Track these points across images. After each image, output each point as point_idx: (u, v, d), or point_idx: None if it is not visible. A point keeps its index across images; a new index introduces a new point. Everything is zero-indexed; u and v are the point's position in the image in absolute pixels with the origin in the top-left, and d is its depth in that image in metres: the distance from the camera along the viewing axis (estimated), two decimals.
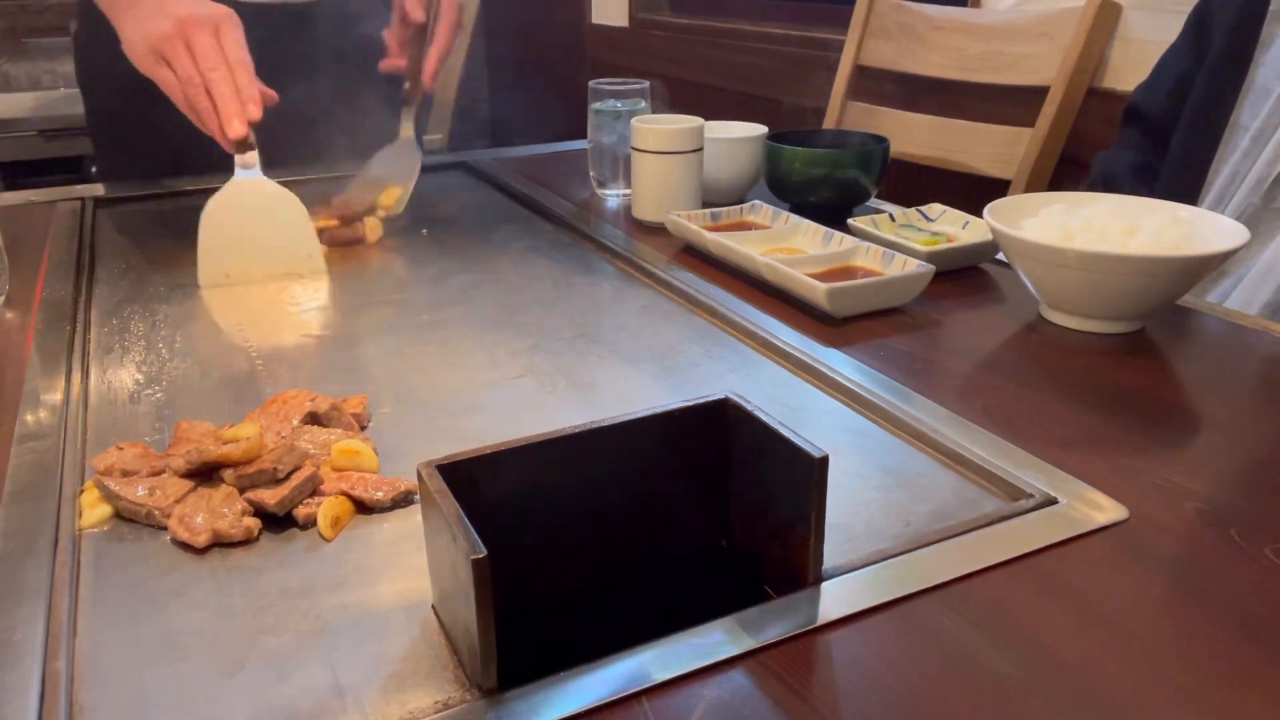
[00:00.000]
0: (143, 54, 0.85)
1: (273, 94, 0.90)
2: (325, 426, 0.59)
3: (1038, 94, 1.47)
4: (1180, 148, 1.07)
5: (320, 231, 0.96)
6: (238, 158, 0.86)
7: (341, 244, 0.97)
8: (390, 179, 1.06)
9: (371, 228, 1.00)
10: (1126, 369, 0.69)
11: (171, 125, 1.16)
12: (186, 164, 1.20)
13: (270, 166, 1.20)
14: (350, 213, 0.99)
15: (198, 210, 0.87)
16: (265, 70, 0.90)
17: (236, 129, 0.83)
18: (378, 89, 1.14)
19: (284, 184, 0.89)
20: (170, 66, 0.83)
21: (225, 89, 0.82)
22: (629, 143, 1.03)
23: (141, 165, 1.20)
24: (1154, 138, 1.13)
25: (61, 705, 0.39)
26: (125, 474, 0.54)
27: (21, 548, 0.49)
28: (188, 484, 0.53)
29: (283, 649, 0.43)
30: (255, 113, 0.84)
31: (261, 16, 1.08)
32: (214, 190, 1.18)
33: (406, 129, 1.06)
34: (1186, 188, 1.03)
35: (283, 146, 1.06)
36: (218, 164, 1.19)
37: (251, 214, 0.87)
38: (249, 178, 0.86)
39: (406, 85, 1.04)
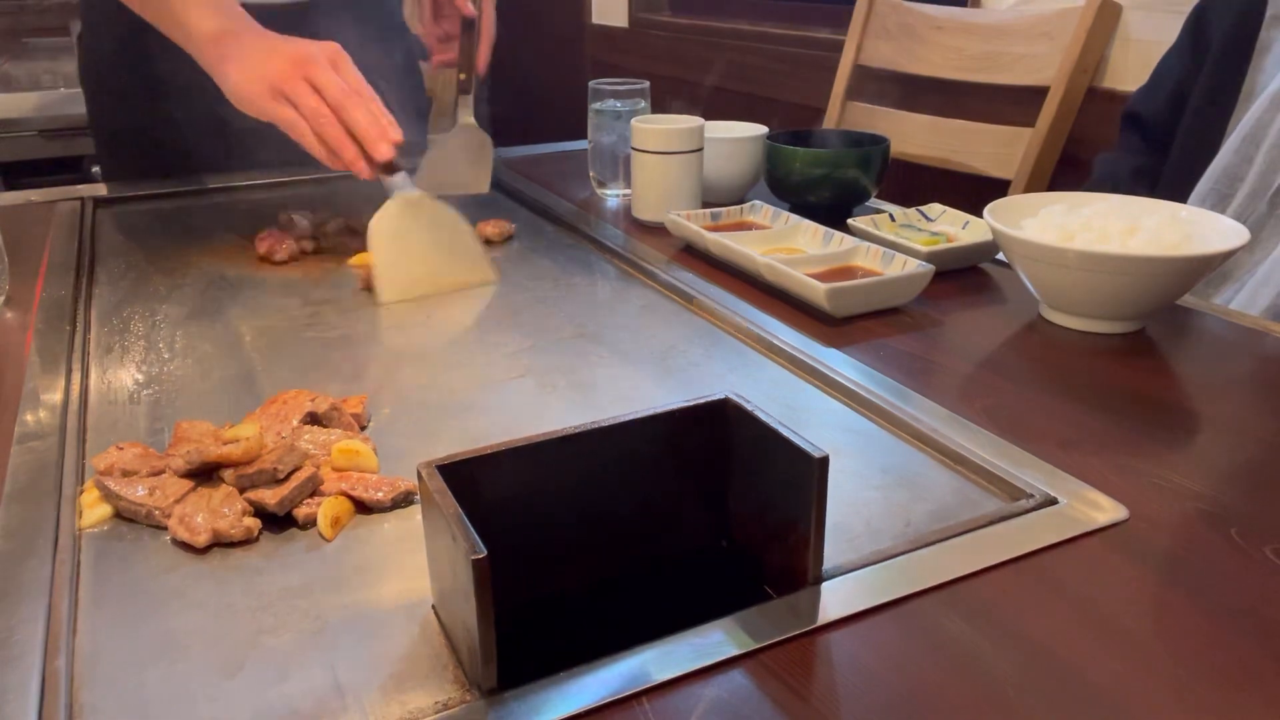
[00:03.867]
0: (258, 95, 0.84)
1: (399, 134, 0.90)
2: (325, 426, 0.59)
3: (1038, 94, 1.47)
4: (1180, 152, 1.07)
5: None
6: (386, 180, 0.86)
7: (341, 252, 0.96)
8: (472, 160, 1.09)
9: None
10: (1126, 369, 0.69)
11: (174, 125, 1.16)
12: (189, 164, 1.20)
13: (284, 165, 1.20)
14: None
15: (198, 210, 0.87)
16: None
17: (385, 151, 0.83)
18: (389, 85, 1.14)
19: (279, 184, 0.89)
20: (294, 104, 0.83)
21: (362, 116, 0.83)
22: (629, 143, 1.03)
23: (144, 165, 1.20)
24: (1153, 142, 1.13)
25: (61, 705, 0.39)
26: (125, 474, 0.54)
27: (21, 548, 0.49)
28: (188, 484, 0.53)
29: (283, 649, 0.43)
30: (397, 135, 0.84)
31: (266, 16, 1.08)
32: (214, 190, 1.18)
33: (467, 117, 1.08)
34: (1187, 191, 1.03)
35: (292, 145, 1.06)
36: (218, 165, 1.20)
37: (420, 231, 0.87)
38: (409, 193, 0.87)
39: (461, 76, 1.06)
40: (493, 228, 1.00)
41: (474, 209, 1.12)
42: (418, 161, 1.04)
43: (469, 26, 1.06)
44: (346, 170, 0.85)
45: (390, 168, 0.86)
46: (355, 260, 0.93)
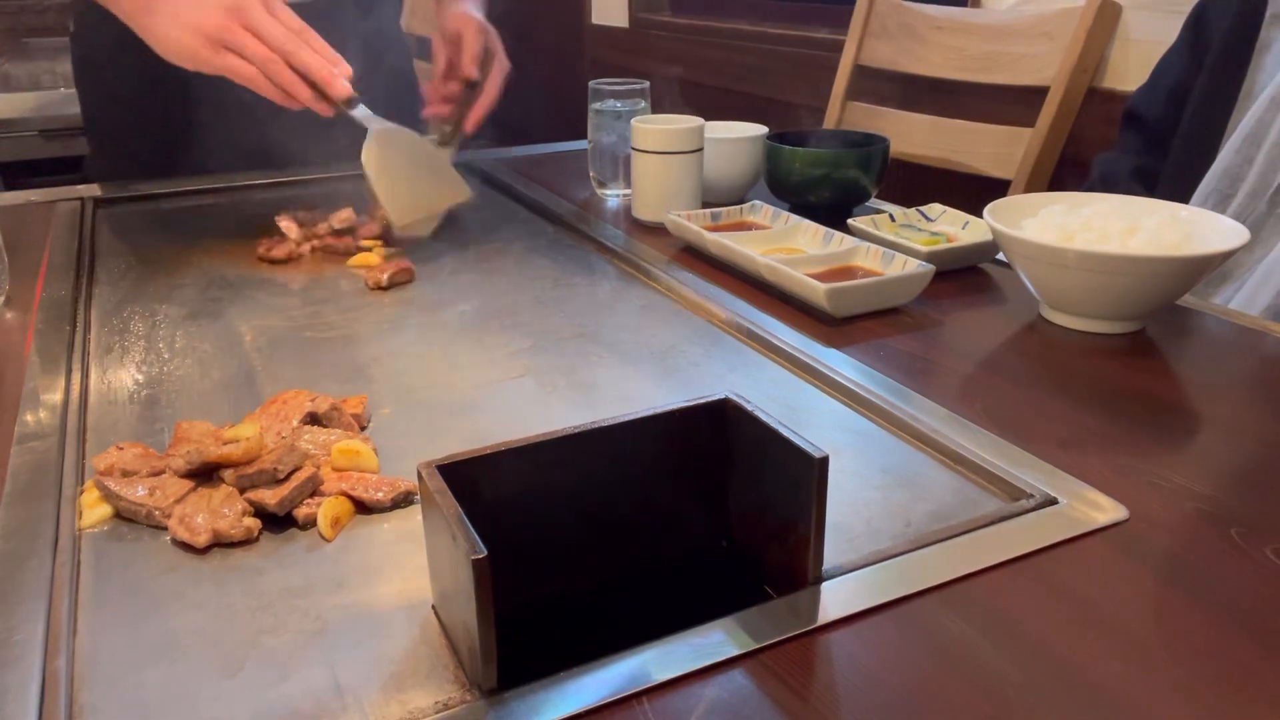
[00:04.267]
0: (198, 47, 0.84)
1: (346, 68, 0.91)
2: (325, 426, 0.59)
3: (1038, 94, 1.47)
4: (1179, 151, 1.07)
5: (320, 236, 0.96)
6: (352, 113, 0.88)
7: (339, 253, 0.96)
8: (434, 201, 1.05)
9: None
10: (1126, 369, 0.69)
11: (168, 126, 1.16)
12: (182, 164, 1.20)
13: (276, 167, 1.20)
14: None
15: (197, 210, 0.87)
16: None
17: (341, 89, 0.85)
18: (387, 88, 1.15)
19: (279, 183, 0.89)
20: (238, 53, 0.83)
21: (310, 57, 0.84)
22: (629, 143, 1.03)
23: (137, 166, 1.20)
24: (1153, 142, 1.13)
25: (61, 705, 0.39)
26: (125, 474, 0.54)
27: (21, 548, 0.49)
28: (188, 484, 0.53)
29: (283, 649, 0.43)
30: (347, 69, 0.86)
31: None
32: (214, 190, 1.18)
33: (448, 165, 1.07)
34: (1187, 192, 1.03)
35: (289, 147, 1.06)
36: (217, 164, 1.20)
37: (407, 159, 0.92)
38: (384, 125, 0.91)
39: (446, 128, 1.07)
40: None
41: (463, 211, 1.12)
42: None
43: (471, 87, 1.07)
44: (303, 108, 0.86)
45: (350, 102, 0.87)
46: (356, 261, 0.93)
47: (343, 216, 0.99)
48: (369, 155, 0.90)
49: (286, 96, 0.85)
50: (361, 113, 0.89)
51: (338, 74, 0.85)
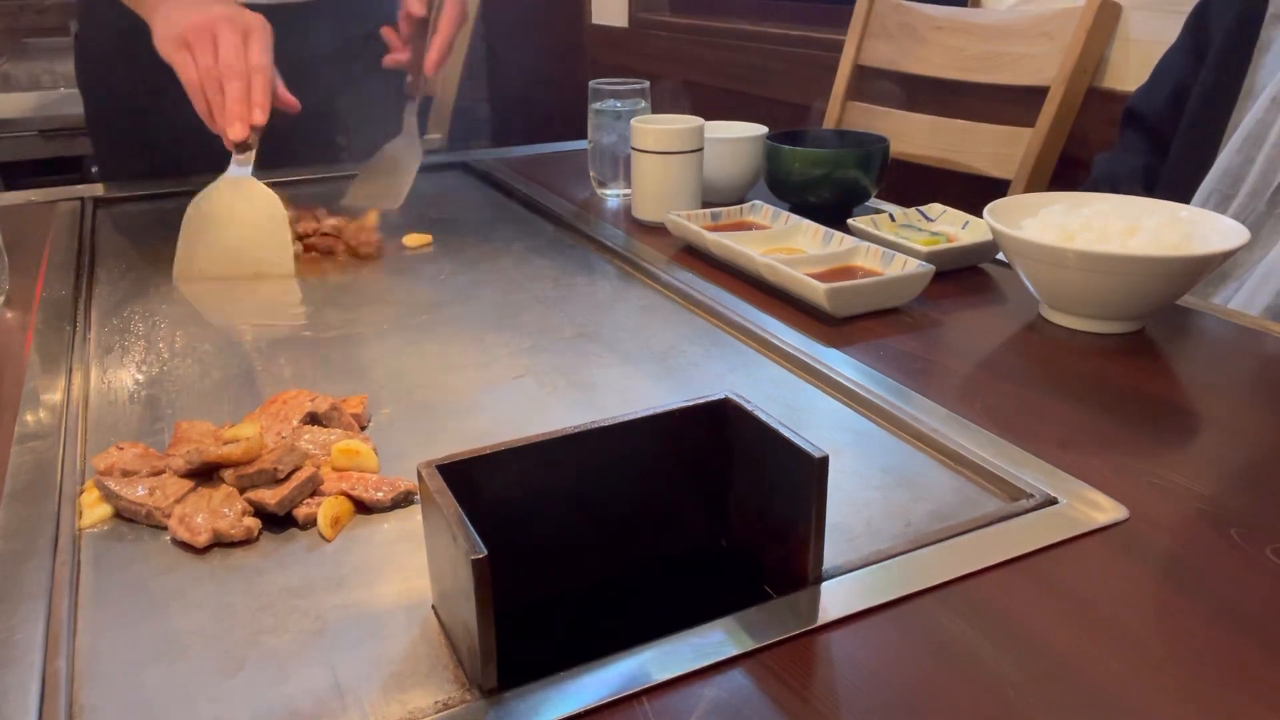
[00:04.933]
0: (171, 39, 0.87)
1: (294, 102, 0.92)
2: (325, 426, 0.59)
3: (1038, 94, 1.46)
4: (1180, 151, 1.07)
5: (306, 236, 0.96)
6: (235, 156, 0.88)
7: (322, 252, 0.95)
8: (395, 171, 1.06)
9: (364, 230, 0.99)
10: (1126, 369, 0.69)
11: (171, 126, 1.16)
12: (186, 164, 1.20)
13: (274, 166, 1.20)
14: (351, 211, 0.98)
15: None
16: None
17: (238, 131, 0.86)
18: (380, 87, 1.14)
19: (278, 183, 0.89)
20: (193, 56, 0.86)
21: (238, 89, 0.85)
22: (629, 143, 1.03)
23: (141, 165, 1.20)
24: (1154, 141, 1.13)
25: (61, 705, 0.39)
26: (125, 474, 0.54)
27: (21, 548, 0.49)
28: (188, 484, 0.53)
29: (283, 649, 0.43)
30: (260, 118, 0.87)
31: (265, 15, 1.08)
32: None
33: (410, 123, 1.06)
34: (1187, 191, 1.03)
35: (286, 146, 1.06)
36: (217, 164, 1.20)
37: (231, 212, 0.89)
38: (237, 176, 0.89)
39: (409, 78, 1.04)
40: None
41: (463, 211, 1.12)
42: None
43: (422, 27, 1.03)
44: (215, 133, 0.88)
45: (242, 146, 0.88)
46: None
47: (368, 223, 0.98)
48: (197, 200, 0.89)
49: (207, 114, 0.88)
50: (241, 159, 0.88)
51: (244, 117, 0.86)
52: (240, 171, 0.88)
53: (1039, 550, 0.48)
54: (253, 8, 1.01)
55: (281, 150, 0.93)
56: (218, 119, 0.86)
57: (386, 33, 1.06)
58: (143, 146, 1.20)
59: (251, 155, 0.88)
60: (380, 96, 1.15)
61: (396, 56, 1.05)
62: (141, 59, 1.07)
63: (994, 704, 0.39)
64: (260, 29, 0.88)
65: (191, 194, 0.92)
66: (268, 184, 0.90)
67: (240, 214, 0.89)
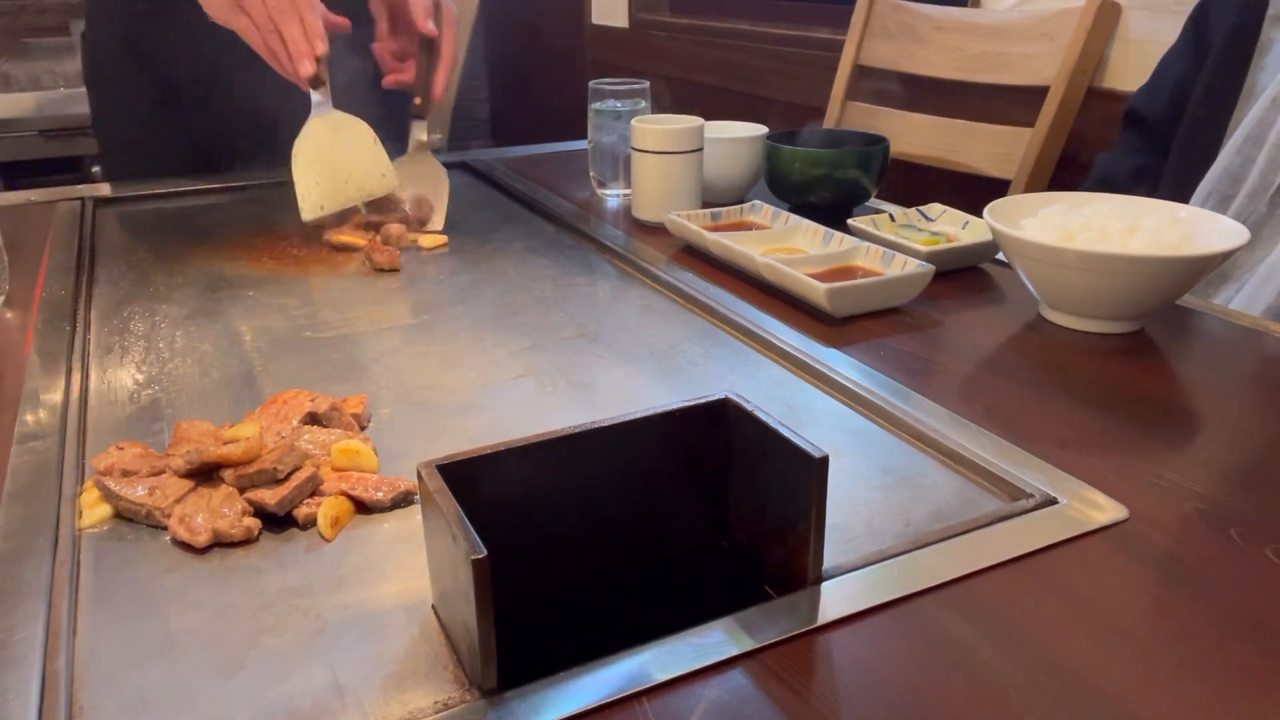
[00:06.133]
0: (223, 5, 0.90)
1: (344, 22, 0.95)
2: (325, 426, 0.59)
3: (1038, 94, 1.47)
4: (1180, 151, 1.07)
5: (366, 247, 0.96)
6: (312, 93, 0.92)
7: (385, 268, 0.93)
8: (421, 192, 1.05)
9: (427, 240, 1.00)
10: (1126, 369, 0.69)
11: (178, 126, 1.16)
12: (193, 164, 1.20)
13: (278, 167, 1.20)
14: (386, 233, 0.98)
15: (198, 210, 0.87)
16: (271, 78, 0.91)
17: (306, 67, 0.89)
18: (380, 97, 1.14)
19: (281, 184, 0.90)
20: (247, 14, 0.89)
21: (292, 31, 0.88)
22: (629, 143, 1.03)
23: (147, 165, 1.20)
24: (1154, 141, 1.13)
25: (61, 705, 0.39)
26: (125, 474, 0.54)
27: (21, 548, 0.49)
28: (188, 484, 0.53)
29: (283, 649, 0.43)
30: (322, 47, 0.90)
31: None
32: (214, 190, 1.18)
33: (421, 142, 1.05)
34: (1187, 191, 1.03)
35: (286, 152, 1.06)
36: (222, 164, 1.20)
37: (333, 146, 0.94)
38: (324, 113, 0.93)
39: (417, 100, 1.03)
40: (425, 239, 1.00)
41: (463, 211, 1.12)
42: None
43: (427, 46, 1.02)
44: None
45: (314, 81, 0.91)
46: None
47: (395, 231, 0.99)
48: (299, 145, 0.93)
49: (276, 63, 0.90)
50: (316, 97, 0.92)
51: (309, 53, 0.89)
52: (325, 108, 0.93)
53: (1039, 550, 0.48)
54: None
55: (274, 156, 0.94)
56: (284, 64, 0.90)
57: (378, 50, 1.06)
58: (150, 146, 1.21)
59: (326, 88, 0.92)
60: (381, 105, 1.15)
61: (400, 77, 1.05)
62: (149, 57, 1.08)
63: (994, 704, 0.39)
64: None
65: (192, 194, 0.92)
66: (279, 183, 0.91)
67: (341, 146, 0.94)
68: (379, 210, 1.02)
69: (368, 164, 0.96)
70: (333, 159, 0.95)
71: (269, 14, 0.88)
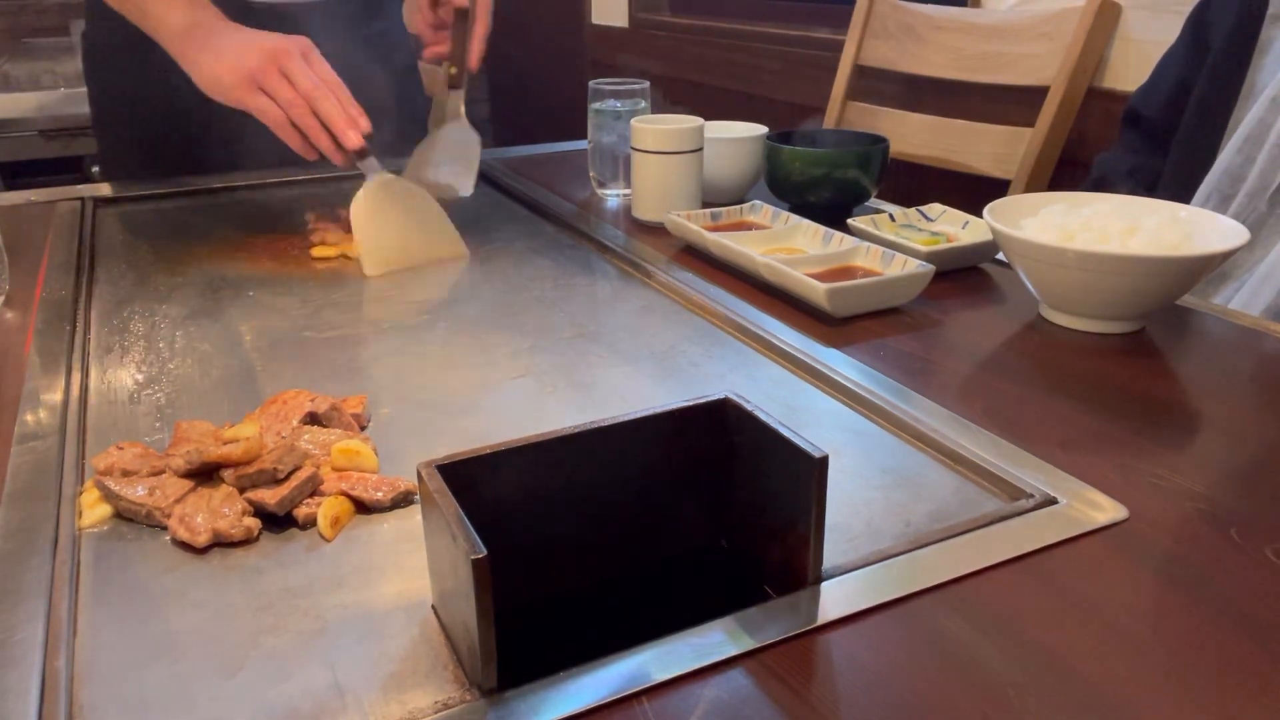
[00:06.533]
0: (235, 85, 0.89)
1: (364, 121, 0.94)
2: (325, 426, 0.59)
3: (1038, 94, 1.46)
4: (1180, 151, 1.07)
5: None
6: (359, 163, 0.92)
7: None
8: (461, 158, 1.07)
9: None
10: (1126, 369, 0.69)
11: (178, 126, 1.16)
12: (192, 164, 1.20)
13: (286, 165, 1.20)
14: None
15: (198, 210, 0.87)
16: None
17: (354, 140, 0.89)
18: (395, 85, 1.15)
19: (285, 183, 0.89)
20: (270, 95, 0.88)
21: (331, 107, 0.88)
22: (629, 143, 1.03)
23: (147, 165, 1.20)
24: (1154, 141, 1.13)
25: (61, 705, 0.39)
26: (125, 474, 0.54)
27: (21, 548, 0.49)
28: (188, 484, 0.53)
29: (283, 649, 0.43)
30: (365, 124, 0.90)
31: (271, 15, 1.08)
32: (214, 190, 1.18)
33: (458, 111, 1.07)
34: (1187, 191, 1.03)
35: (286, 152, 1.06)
36: (222, 165, 1.20)
37: (397, 210, 0.94)
38: (381, 178, 0.93)
39: (452, 70, 1.05)
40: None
41: (463, 211, 1.12)
42: (402, 162, 1.05)
43: (462, 17, 1.04)
44: (319, 159, 0.90)
45: (362, 153, 0.90)
46: (318, 251, 0.96)
47: None
48: (358, 205, 0.92)
49: (305, 143, 0.89)
50: (368, 164, 0.92)
51: (354, 126, 0.89)
52: (377, 171, 0.93)
53: (1039, 550, 0.48)
54: (265, 9, 1.01)
55: (288, 150, 0.93)
56: (319, 140, 0.88)
57: (419, 23, 1.07)
58: (149, 146, 1.20)
59: (373, 159, 0.92)
60: (397, 95, 1.15)
61: (436, 49, 1.06)
62: (149, 57, 1.08)
63: (994, 704, 0.39)
64: (312, 48, 0.91)
65: (192, 194, 0.92)
66: (279, 182, 0.91)
67: (404, 211, 0.94)
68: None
69: (435, 232, 0.96)
70: (399, 221, 0.94)
71: (299, 93, 0.87)
